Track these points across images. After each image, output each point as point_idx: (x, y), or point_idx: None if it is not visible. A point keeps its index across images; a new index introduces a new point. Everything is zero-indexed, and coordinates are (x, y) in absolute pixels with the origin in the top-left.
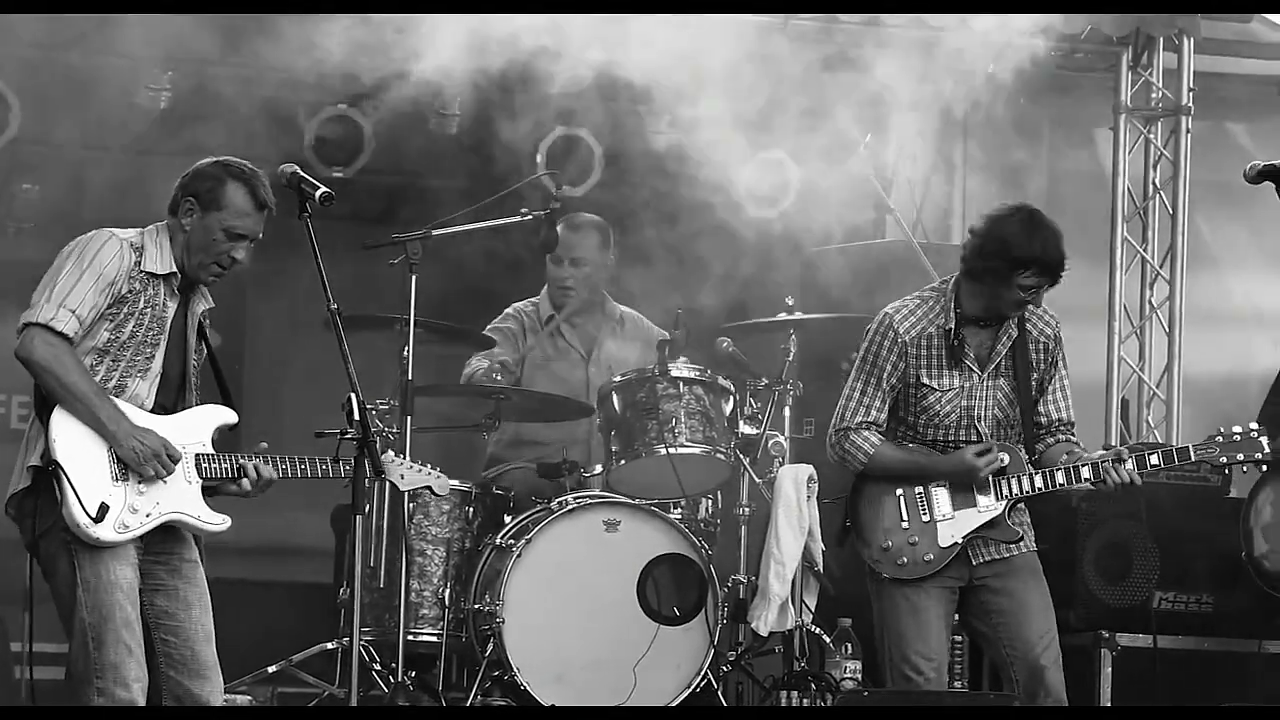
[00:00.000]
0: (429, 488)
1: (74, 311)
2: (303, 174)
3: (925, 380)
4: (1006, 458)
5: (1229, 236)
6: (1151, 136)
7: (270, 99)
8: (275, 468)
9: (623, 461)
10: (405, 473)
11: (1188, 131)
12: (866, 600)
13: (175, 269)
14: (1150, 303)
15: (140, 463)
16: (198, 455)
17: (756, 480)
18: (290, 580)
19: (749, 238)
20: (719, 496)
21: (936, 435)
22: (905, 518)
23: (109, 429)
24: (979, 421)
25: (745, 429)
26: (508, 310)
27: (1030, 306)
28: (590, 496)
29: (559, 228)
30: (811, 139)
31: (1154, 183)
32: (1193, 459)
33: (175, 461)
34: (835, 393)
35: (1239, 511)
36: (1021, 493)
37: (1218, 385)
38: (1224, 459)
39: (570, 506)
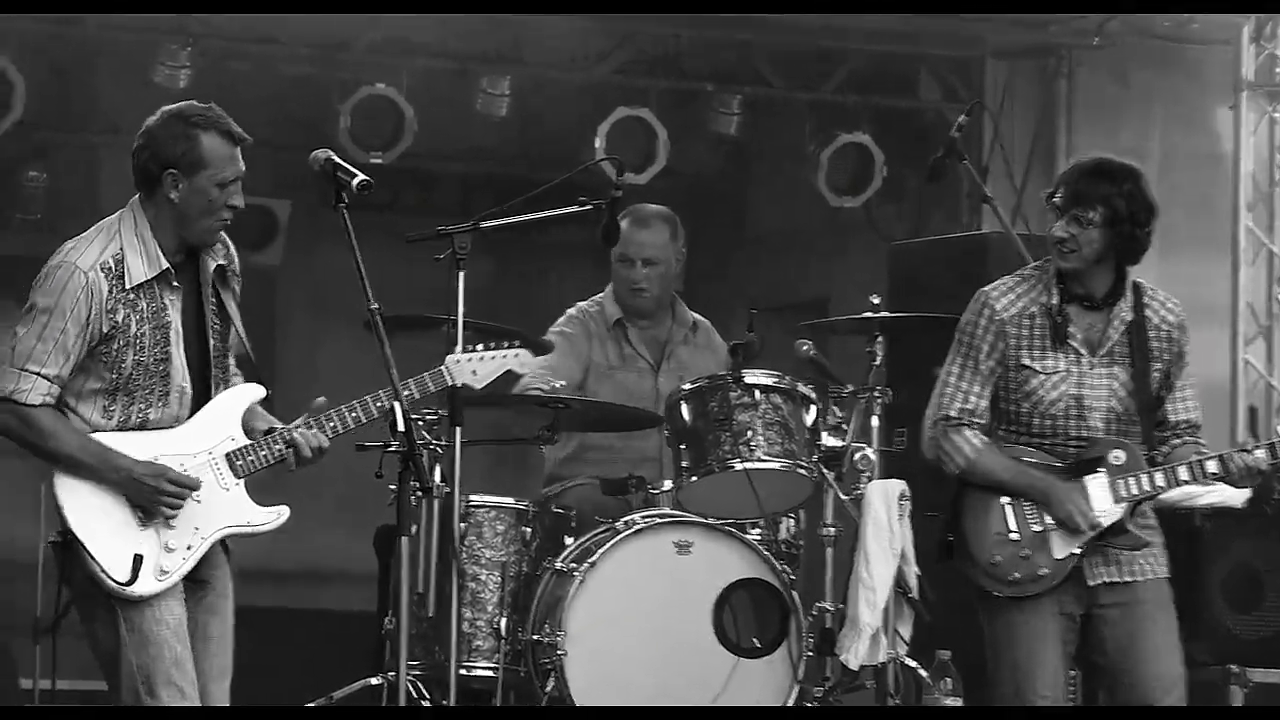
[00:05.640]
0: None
1: (39, 373)
2: (338, 160)
3: (1026, 362)
4: (1124, 455)
5: None
6: (1277, 115)
7: (301, 77)
8: (322, 428)
9: (694, 478)
10: (476, 367)
11: None
12: (967, 630)
13: (167, 263)
14: (1278, 300)
15: (149, 504)
16: (228, 454)
17: (842, 497)
18: (330, 609)
19: (830, 230)
20: (801, 516)
21: (1043, 425)
22: (1014, 528)
23: (110, 479)
24: (1090, 413)
25: (829, 441)
26: (571, 311)
27: (1150, 291)
28: (659, 516)
29: (623, 223)
30: (896, 120)
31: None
32: None
33: (193, 488)
34: (927, 401)
35: None
36: (1141, 493)
37: None
38: None
39: (638, 527)
